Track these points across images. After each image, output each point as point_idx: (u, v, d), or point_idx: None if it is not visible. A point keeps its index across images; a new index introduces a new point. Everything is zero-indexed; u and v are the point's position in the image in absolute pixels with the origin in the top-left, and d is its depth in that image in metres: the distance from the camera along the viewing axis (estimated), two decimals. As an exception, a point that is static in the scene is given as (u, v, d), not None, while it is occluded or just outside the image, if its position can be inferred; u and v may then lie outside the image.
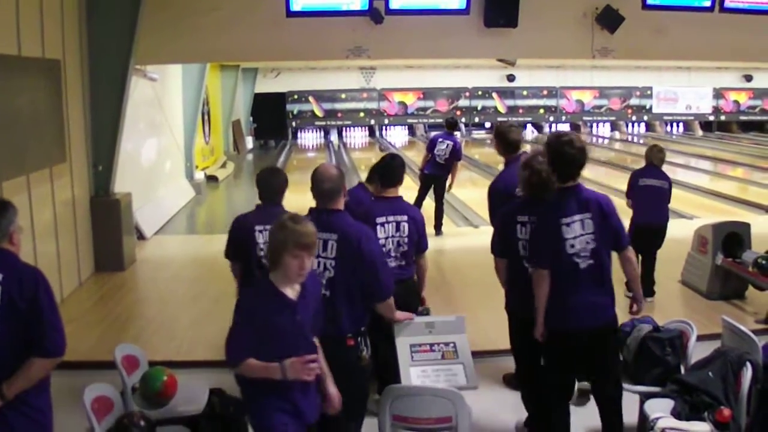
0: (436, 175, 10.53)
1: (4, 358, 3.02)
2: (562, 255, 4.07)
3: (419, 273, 5.05)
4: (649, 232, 7.34)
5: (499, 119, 27.62)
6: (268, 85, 26.30)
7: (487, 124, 28.45)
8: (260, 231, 4.73)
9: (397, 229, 4.80)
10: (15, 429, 3.04)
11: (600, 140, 27.79)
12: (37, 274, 3.12)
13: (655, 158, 7.47)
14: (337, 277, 3.85)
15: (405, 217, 4.84)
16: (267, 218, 4.62)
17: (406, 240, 4.82)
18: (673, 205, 12.15)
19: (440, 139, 10.61)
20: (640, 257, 7.45)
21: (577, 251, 4.07)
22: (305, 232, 3.21)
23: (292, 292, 3.29)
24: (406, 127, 28.09)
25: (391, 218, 4.81)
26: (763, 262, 6.87)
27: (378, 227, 4.76)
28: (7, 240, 3.13)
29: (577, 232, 4.08)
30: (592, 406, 4.38)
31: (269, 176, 4.99)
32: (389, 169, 5.00)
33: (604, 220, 4.11)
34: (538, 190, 4.35)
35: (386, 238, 4.80)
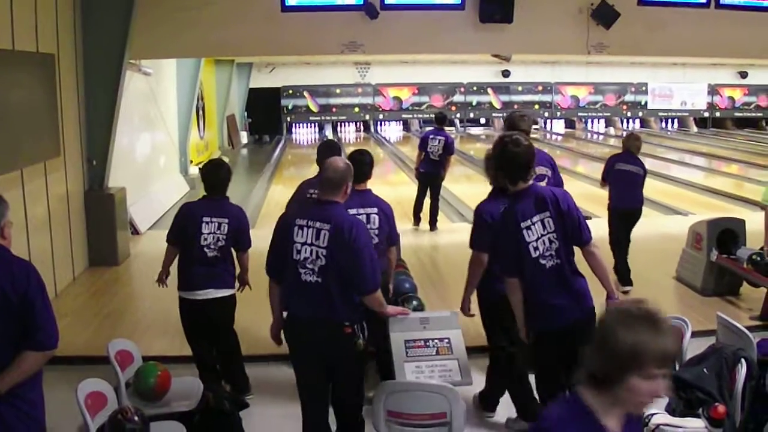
0: (432, 173, 10.52)
1: (-3, 352, 3.00)
2: (527, 259, 4.00)
3: (388, 265, 5.07)
4: (625, 215, 7.67)
5: (494, 115, 27.69)
6: (262, 80, 26.26)
7: (482, 120, 28.50)
8: (207, 222, 5.01)
9: (368, 221, 4.85)
10: (7, 422, 3.03)
11: (595, 136, 27.82)
12: (29, 267, 3.11)
13: (632, 146, 7.78)
14: (328, 265, 3.90)
15: (375, 210, 4.93)
16: (214, 210, 5.07)
17: (376, 232, 4.88)
18: (669, 201, 12.21)
19: (431, 136, 10.57)
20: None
21: (541, 253, 4.00)
22: (670, 334, 2.07)
23: (614, 422, 2.14)
24: (401, 122, 28.11)
25: (362, 210, 4.87)
26: (758, 258, 6.87)
27: None
28: (-2, 234, 3.11)
29: (538, 233, 4.00)
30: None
31: (216, 169, 5.23)
32: (358, 164, 5.04)
33: (563, 216, 4.02)
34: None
35: None
